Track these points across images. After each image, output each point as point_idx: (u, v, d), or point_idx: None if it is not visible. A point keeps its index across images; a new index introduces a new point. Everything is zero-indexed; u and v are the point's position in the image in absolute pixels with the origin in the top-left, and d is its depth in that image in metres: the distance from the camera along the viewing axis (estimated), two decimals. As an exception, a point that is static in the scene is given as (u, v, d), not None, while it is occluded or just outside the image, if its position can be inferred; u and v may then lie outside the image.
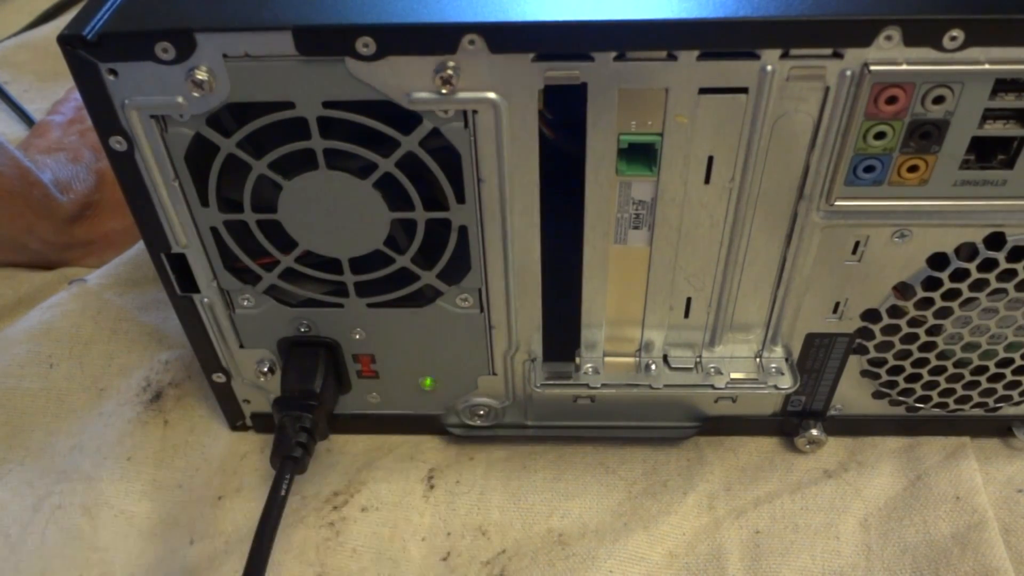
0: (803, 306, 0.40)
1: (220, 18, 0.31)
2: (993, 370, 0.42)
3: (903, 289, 0.39)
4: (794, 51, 0.30)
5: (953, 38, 0.30)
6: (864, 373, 0.43)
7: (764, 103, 0.32)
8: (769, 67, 0.31)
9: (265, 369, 0.44)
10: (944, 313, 0.39)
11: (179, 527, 0.44)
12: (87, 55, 0.31)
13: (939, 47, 0.30)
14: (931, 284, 0.38)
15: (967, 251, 0.37)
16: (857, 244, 0.37)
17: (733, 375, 0.42)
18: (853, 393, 0.44)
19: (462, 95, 0.32)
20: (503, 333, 0.41)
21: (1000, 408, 0.45)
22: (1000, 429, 0.46)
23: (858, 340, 0.41)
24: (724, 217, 0.36)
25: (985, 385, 0.43)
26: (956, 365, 0.42)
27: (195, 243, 0.38)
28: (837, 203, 0.35)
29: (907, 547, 0.42)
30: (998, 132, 0.33)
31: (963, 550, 0.42)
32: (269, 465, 0.41)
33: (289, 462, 0.40)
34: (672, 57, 0.31)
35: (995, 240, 0.36)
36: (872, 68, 0.30)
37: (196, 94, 0.32)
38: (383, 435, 0.48)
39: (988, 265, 0.37)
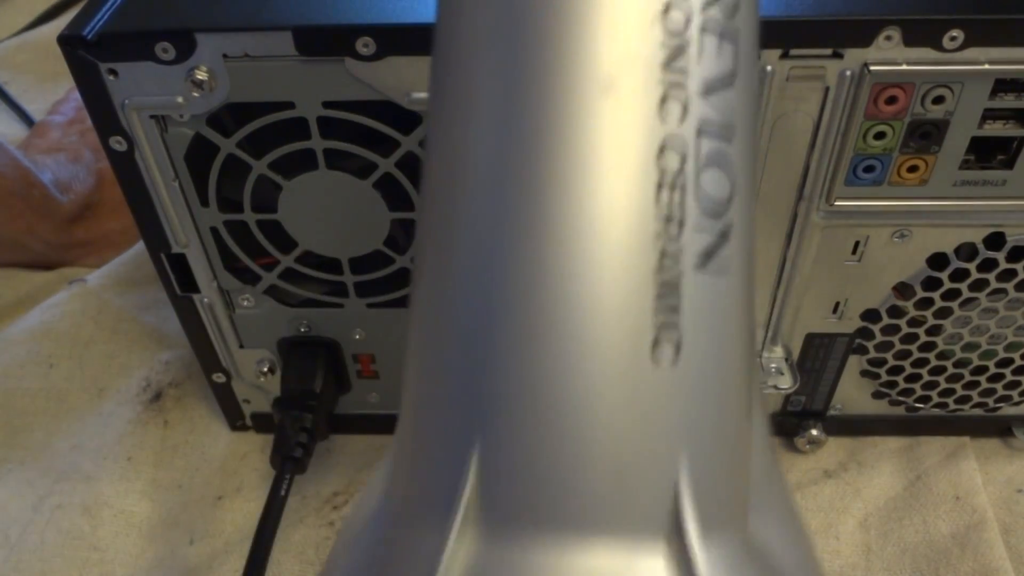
0: (803, 306, 0.40)
1: (220, 18, 0.31)
2: (993, 370, 0.42)
3: (903, 289, 0.39)
4: (794, 51, 0.30)
5: (953, 38, 0.30)
6: (864, 373, 0.43)
7: (764, 103, 0.32)
8: (769, 67, 0.31)
9: (265, 369, 0.44)
10: (944, 313, 0.39)
11: (179, 527, 0.44)
12: (87, 55, 0.31)
13: (939, 47, 0.30)
14: (931, 284, 0.38)
15: (967, 251, 0.37)
16: (857, 244, 0.37)
17: (733, 375, 0.42)
18: (853, 393, 0.44)
19: (462, 95, 0.32)
20: (503, 333, 0.41)
21: (1000, 408, 0.45)
22: (1000, 429, 0.46)
23: (858, 340, 0.41)
24: (724, 217, 0.36)
25: (985, 385, 0.43)
26: (956, 365, 0.42)
27: (195, 243, 0.38)
28: (837, 203, 0.35)
29: (907, 547, 0.42)
30: (998, 132, 0.33)
31: (963, 550, 0.42)
32: (269, 465, 0.41)
33: (289, 462, 0.40)
34: (672, 57, 0.31)
35: (995, 240, 0.36)
36: (872, 68, 0.30)
37: (196, 94, 0.32)
38: (383, 435, 0.48)
39: (988, 265, 0.37)
